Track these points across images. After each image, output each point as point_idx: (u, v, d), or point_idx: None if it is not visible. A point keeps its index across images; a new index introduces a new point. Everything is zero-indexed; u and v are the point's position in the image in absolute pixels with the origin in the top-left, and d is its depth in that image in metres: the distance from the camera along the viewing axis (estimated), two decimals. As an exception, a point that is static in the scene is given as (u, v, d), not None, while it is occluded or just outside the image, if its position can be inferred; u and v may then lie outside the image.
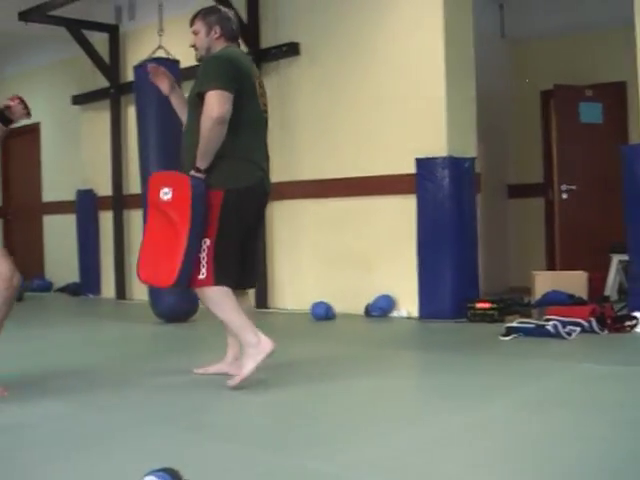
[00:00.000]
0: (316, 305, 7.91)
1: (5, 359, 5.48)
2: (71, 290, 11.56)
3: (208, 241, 4.55)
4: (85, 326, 8.34)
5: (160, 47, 8.18)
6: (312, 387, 4.68)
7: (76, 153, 11.85)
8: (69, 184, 11.76)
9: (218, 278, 4.57)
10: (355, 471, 2.98)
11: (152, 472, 2.45)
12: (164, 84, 5.23)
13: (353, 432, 3.59)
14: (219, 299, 4.61)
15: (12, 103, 4.94)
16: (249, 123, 4.73)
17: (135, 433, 3.68)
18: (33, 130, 13.01)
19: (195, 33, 4.98)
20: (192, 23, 5.01)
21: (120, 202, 10.70)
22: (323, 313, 7.80)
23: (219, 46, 4.91)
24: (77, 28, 10.55)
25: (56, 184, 12.57)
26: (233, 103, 4.57)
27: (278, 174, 8.83)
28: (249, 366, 4.52)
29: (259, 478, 2.95)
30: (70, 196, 11.58)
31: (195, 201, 4.49)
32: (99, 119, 11.14)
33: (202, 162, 4.57)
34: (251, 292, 8.88)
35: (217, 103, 4.51)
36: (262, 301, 8.87)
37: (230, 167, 4.64)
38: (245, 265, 4.81)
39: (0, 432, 3.73)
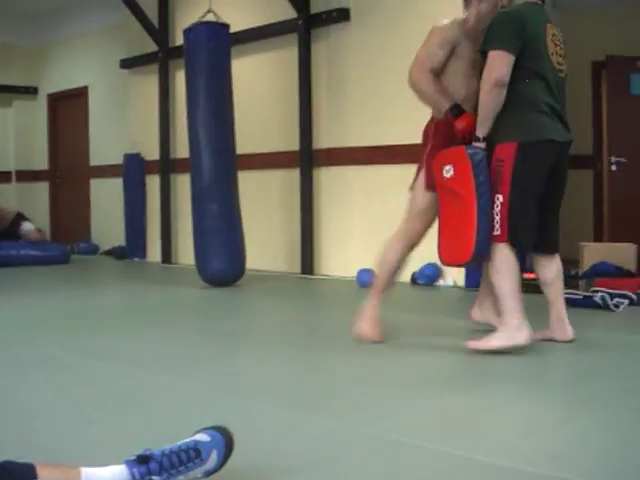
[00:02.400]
0: (362, 272, 7.90)
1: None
2: (117, 253, 11.64)
3: (501, 197, 4.46)
4: (131, 289, 8.41)
5: (210, 11, 8.16)
6: (357, 353, 4.67)
7: (124, 117, 11.91)
8: (117, 148, 11.84)
9: (512, 234, 4.46)
10: (399, 434, 2.98)
11: (203, 429, 2.47)
12: None
13: (401, 397, 3.59)
14: (501, 266, 4.48)
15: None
16: (539, 76, 4.52)
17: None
18: (81, 93, 13.10)
19: None
20: None
21: (167, 166, 10.74)
22: (369, 280, 7.77)
23: (520, 0, 4.71)
24: (127, -9, 10.57)
25: (104, 148, 12.65)
26: (521, 58, 4.47)
27: (327, 140, 8.86)
28: (494, 344, 4.43)
29: (312, 442, 2.97)
30: (117, 160, 11.65)
31: (476, 171, 4.44)
32: (147, 83, 11.18)
33: (481, 129, 4.52)
34: (297, 258, 8.98)
35: (497, 65, 4.42)
36: (308, 267, 8.89)
37: (520, 119, 4.50)
38: (544, 225, 4.67)
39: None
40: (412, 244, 5.02)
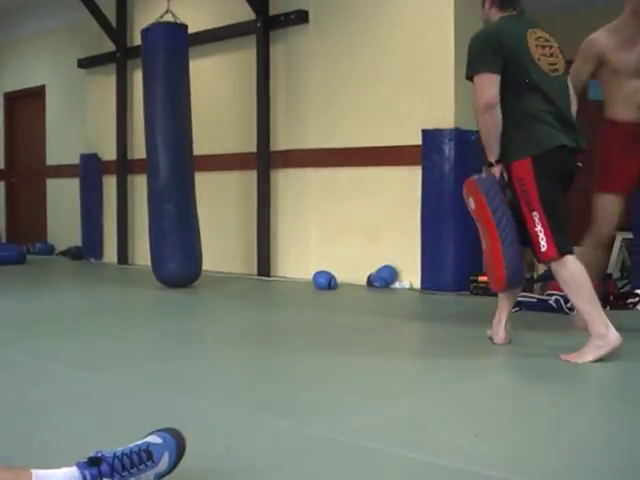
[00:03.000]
0: (318, 274, 7.92)
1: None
2: (73, 254, 11.56)
3: (537, 214, 4.42)
4: (87, 289, 8.37)
5: (168, 11, 8.14)
6: (312, 354, 4.68)
7: (81, 117, 11.83)
8: (74, 148, 11.75)
9: (559, 245, 4.41)
10: (357, 438, 2.98)
11: (155, 432, 2.46)
12: None
13: (353, 400, 3.59)
14: (570, 280, 4.43)
15: None
16: (531, 87, 4.52)
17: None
18: (38, 93, 13.00)
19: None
20: None
21: (124, 167, 10.68)
22: (325, 282, 7.80)
23: (495, 17, 4.77)
24: (85, -9, 10.51)
25: (60, 147, 12.56)
26: (507, 74, 4.50)
27: (285, 142, 8.86)
28: (588, 357, 4.32)
29: (266, 443, 2.96)
30: (74, 160, 11.56)
31: (488, 197, 4.49)
32: (105, 83, 11.12)
33: (490, 155, 4.55)
34: (253, 259, 8.97)
35: (483, 88, 4.47)
36: (264, 269, 8.88)
37: (525, 134, 4.50)
38: None
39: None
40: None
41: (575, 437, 3.04)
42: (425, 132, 7.45)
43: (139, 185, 9.99)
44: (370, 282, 7.86)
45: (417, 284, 7.64)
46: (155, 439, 2.42)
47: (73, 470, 2.28)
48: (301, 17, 8.60)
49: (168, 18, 8.08)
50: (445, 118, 7.40)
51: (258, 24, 8.88)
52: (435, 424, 3.21)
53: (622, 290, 6.74)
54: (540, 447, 2.88)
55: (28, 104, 13.42)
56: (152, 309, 7.05)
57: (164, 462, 2.38)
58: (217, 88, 9.62)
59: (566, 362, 4.30)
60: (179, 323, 5.98)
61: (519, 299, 6.28)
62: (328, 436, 3.00)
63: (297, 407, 3.47)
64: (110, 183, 11.00)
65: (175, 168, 7.76)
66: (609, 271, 7.74)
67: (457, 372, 4.20)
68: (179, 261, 7.70)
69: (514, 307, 6.05)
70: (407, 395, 3.71)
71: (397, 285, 7.79)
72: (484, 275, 7.14)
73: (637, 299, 6.39)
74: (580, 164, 4.64)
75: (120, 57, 10.70)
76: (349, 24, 8.27)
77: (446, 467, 2.65)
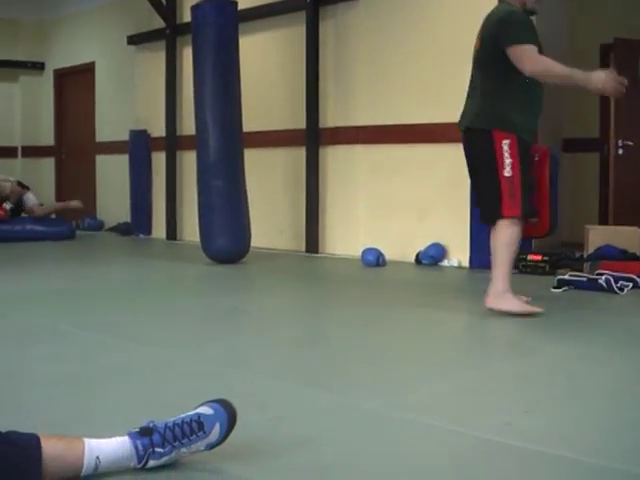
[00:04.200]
0: (367, 251, 7.90)
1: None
2: (122, 229, 11.64)
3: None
4: (136, 265, 8.43)
5: (218, -13, 8.14)
6: (361, 331, 4.68)
7: (130, 94, 11.88)
8: (123, 124, 11.82)
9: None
10: (406, 412, 2.98)
11: (206, 403, 2.47)
12: None
13: (404, 376, 3.60)
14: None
15: None
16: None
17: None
18: (88, 69, 13.08)
19: None
20: None
21: (173, 143, 10.73)
22: (374, 259, 7.77)
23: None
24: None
25: (110, 124, 12.63)
26: None
27: (333, 119, 8.84)
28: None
29: (315, 415, 2.97)
30: (124, 136, 11.63)
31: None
32: (154, 60, 11.15)
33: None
34: (302, 236, 8.98)
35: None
36: (313, 246, 8.89)
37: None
38: None
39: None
40: None
41: (630, 416, 3.02)
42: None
43: (188, 161, 10.01)
44: (418, 260, 7.83)
45: (466, 262, 7.61)
46: (207, 410, 2.43)
47: (125, 440, 2.30)
48: (351, -7, 8.57)
49: (218, -6, 8.07)
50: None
51: (308, 0, 8.85)
52: (486, 399, 3.20)
53: None
54: (592, 424, 2.86)
55: (78, 81, 13.51)
56: (201, 284, 7.09)
57: (215, 432, 2.40)
58: (266, 65, 9.61)
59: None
60: (227, 298, 6.01)
61: (569, 278, 6.25)
62: (378, 410, 3.01)
63: (347, 381, 3.48)
64: (159, 159, 11.05)
65: (224, 144, 7.77)
66: None
67: (508, 349, 4.19)
68: (228, 237, 7.72)
69: (561, 286, 6.06)
70: (457, 371, 3.70)
71: (446, 263, 7.77)
72: (533, 254, 7.13)
73: None
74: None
75: (169, 34, 10.72)
76: (399, 2, 8.23)
77: (496, 442, 2.64)
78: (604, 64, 10.14)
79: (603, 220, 9.85)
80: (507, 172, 4.86)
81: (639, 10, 9.67)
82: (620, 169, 9.56)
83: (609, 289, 6.02)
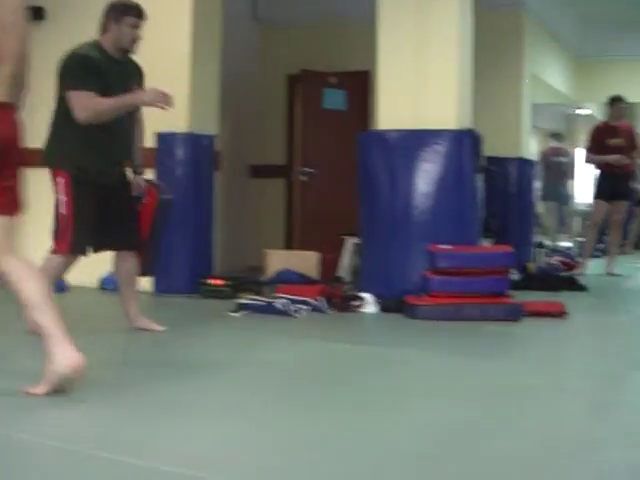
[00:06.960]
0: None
1: None
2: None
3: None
4: None
5: None
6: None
7: None
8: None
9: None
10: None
11: None
12: None
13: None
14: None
15: None
16: None
17: None
18: None
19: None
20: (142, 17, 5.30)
21: None
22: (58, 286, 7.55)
23: None
24: None
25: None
26: None
27: None
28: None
29: None
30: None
31: None
32: None
33: None
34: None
35: None
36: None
37: None
38: None
39: None
40: None
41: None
42: (159, 135, 7.29)
43: None
44: (102, 285, 7.66)
45: (149, 287, 7.55)
46: None
47: None
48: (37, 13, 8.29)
49: None
50: (179, 122, 7.25)
51: None
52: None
53: (347, 293, 6.91)
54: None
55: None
56: None
57: None
58: None
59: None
60: None
61: (247, 302, 6.38)
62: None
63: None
64: None
65: None
66: (339, 274, 7.98)
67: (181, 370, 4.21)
68: None
69: (239, 310, 6.19)
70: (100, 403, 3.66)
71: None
72: (214, 278, 7.23)
73: (360, 302, 6.58)
74: None
75: None
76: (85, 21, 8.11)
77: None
78: (292, 94, 10.47)
79: (289, 244, 10.12)
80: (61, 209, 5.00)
81: (326, 44, 10.04)
82: (305, 195, 9.87)
83: (285, 312, 6.18)
